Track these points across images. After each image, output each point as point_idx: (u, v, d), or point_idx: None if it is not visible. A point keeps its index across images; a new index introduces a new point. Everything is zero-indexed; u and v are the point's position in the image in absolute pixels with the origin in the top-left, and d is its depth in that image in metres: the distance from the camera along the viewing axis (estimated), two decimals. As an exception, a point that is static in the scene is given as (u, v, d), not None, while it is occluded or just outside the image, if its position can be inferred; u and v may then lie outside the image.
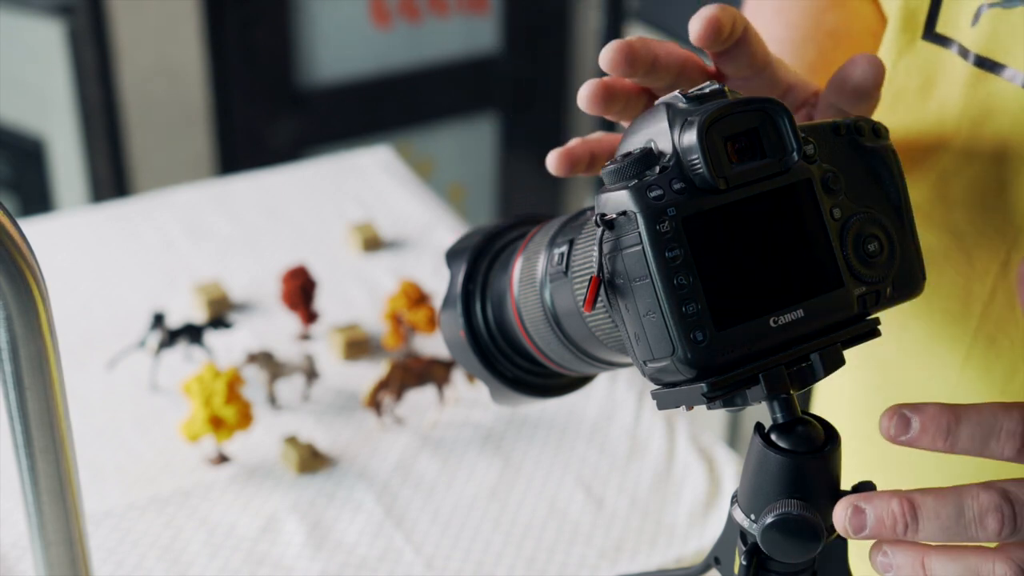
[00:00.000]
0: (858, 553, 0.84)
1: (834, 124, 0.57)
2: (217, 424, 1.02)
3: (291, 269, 1.21)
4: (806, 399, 0.94)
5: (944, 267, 0.69)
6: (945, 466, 0.72)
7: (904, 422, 0.52)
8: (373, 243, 1.38)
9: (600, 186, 0.53)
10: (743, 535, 0.56)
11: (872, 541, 0.53)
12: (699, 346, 0.50)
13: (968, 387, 0.70)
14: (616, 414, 1.14)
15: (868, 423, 0.79)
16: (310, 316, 1.22)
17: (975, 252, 0.67)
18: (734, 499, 0.56)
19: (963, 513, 0.51)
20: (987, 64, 0.64)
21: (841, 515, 0.52)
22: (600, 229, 0.52)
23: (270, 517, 1.00)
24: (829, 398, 0.87)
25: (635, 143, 0.54)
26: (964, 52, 0.65)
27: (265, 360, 1.11)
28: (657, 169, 0.51)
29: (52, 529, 0.68)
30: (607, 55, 0.59)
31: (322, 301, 1.27)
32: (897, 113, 0.70)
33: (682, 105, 0.53)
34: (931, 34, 0.67)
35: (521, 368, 0.66)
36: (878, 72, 0.61)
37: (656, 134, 0.53)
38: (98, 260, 1.35)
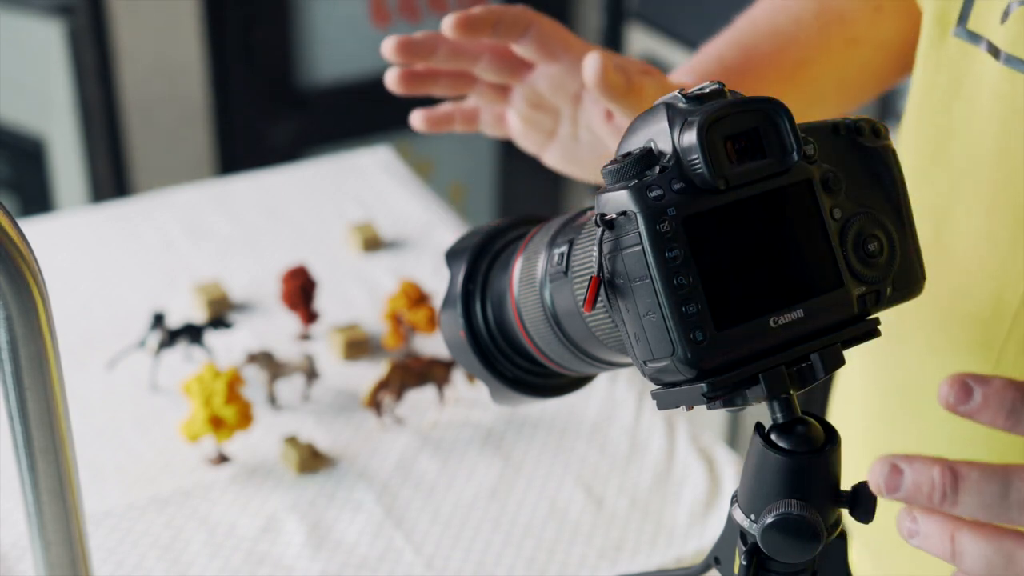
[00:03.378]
0: (859, 551, 0.84)
1: (834, 124, 0.57)
2: (217, 424, 1.02)
3: (291, 269, 1.21)
4: (823, 399, 0.94)
5: (976, 271, 0.68)
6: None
7: (966, 392, 0.49)
8: (373, 243, 1.38)
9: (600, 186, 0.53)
10: (743, 535, 0.56)
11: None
12: (699, 346, 0.50)
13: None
14: (616, 414, 1.14)
15: (878, 422, 0.79)
16: (310, 316, 1.22)
17: (1008, 256, 0.66)
18: (734, 499, 0.56)
19: (1008, 494, 0.47)
20: (1016, 63, 0.63)
21: (877, 472, 0.49)
22: (600, 229, 0.52)
23: (270, 517, 1.00)
24: (843, 398, 0.86)
25: (635, 143, 0.54)
26: (994, 50, 0.64)
27: (265, 360, 1.11)
28: (657, 169, 0.51)
29: (52, 529, 0.68)
30: (388, 49, 0.75)
31: (322, 301, 1.27)
32: (927, 108, 0.69)
33: (682, 105, 0.52)
34: (962, 30, 0.66)
35: (521, 368, 0.66)
36: (597, 72, 0.68)
37: (656, 134, 0.53)
38: (98, 260, 1.35)
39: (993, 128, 0.65)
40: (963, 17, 0.66)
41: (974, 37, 0.65)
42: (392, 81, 0.78)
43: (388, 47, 0.75)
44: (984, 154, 0.66)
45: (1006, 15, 0.63)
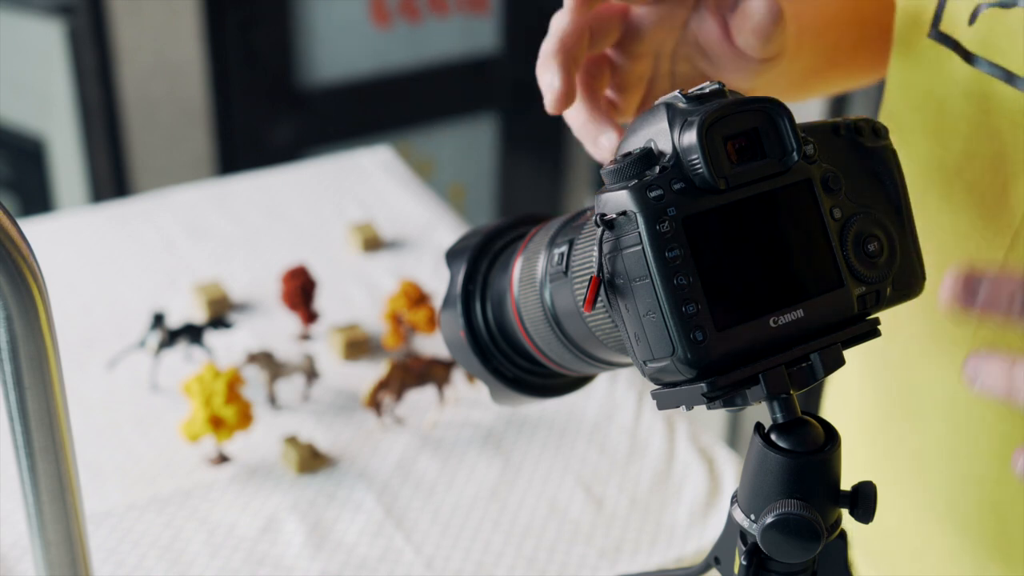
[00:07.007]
0: (858, 558, 0.84)
1: (834, 124, 0.57)
2: (217, 424, 1.02)
3: (291, 269, 1.21)
4: (816, 399, 0.94)
5: (947, 268, 0.69)
6: (952, 468, 0.72)
7: (969, 288, 0.49)
8: (373, 243, 1.38)
9: (600, 186, 0.54)
10: (743, 535, 0.56)
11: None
12: (699, 346, 0.50)
13: (969, 390, 0.69)
14: (616, 414, 1.14)
15: (875, 423, 0.79)
16: (310, 316, 1.22)
17: (976, 254, 0.67)
18: (734, 499, 0.56)
19: None
20: (984, 64, 0.63)
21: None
22: (600, 229, 0.52)
23: (270, 517, 1.00)
24: (837, 398, 0.86)
25: (635, 143, 0.54)
26: (963, 52, 0.65)
27: (265, 360, 1.11)
28: (657, 169, 0.51)
29: (52, 529, 0.68)
30: (553, 98, 0.63)
31: (322, 301, 1.27)
32: (904, 111, 0.69)
33: (682, 105, 0.53)
34: (935, 32, 0.67)
35: (521, 368, 0.66)
36: (772, 13, 0.62)
37: (656, 134, 0.53)
38: (98, 260, 1.35)
39: (963, 129, 0.65)
40: (936, 19, 0.66)
41: (946, 39, 0.66)
42: (558, 102, 0.64)
43: (559, 93, 0.63)
44: (955, 155, 0.66)
45: (974, 17, 0.63)
